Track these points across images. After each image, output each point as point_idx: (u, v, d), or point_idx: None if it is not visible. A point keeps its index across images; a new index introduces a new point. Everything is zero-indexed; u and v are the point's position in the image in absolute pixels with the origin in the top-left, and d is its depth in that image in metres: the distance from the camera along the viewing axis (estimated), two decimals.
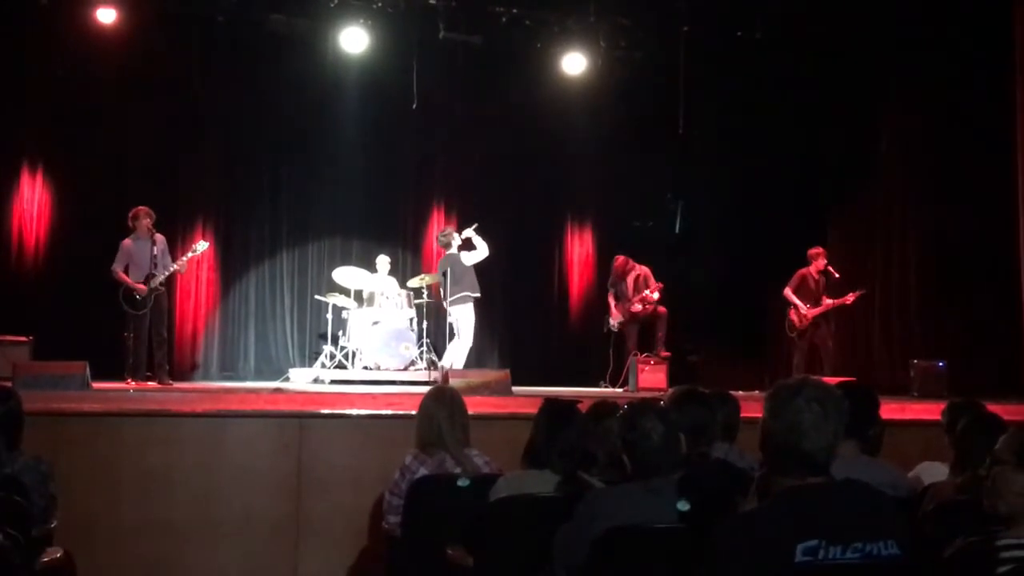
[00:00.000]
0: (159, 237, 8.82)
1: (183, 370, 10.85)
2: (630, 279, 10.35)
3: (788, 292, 9.98)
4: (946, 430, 3.98)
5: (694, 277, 11.97)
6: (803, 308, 9.86)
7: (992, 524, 2.66)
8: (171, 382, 8.85)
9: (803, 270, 9.99)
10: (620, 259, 10.48)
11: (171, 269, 8.82)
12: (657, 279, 10.25)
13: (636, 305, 10.20)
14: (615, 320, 10.44)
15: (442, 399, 4.29)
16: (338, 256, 11.60)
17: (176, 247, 10.03)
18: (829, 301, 9.86)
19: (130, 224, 8.82)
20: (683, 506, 2.93)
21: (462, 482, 3.96)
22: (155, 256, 8.72)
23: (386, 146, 11.83)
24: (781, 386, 2.60)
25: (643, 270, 10.42)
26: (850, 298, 9.83)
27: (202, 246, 9.38)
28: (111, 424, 5.49)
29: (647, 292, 10.17)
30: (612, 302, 10.53)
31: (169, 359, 9.15)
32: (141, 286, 8.62)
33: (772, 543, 2.39)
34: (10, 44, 10.24)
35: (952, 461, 3.74)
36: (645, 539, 2.91)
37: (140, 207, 8.85)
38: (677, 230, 12.31)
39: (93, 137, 10.62)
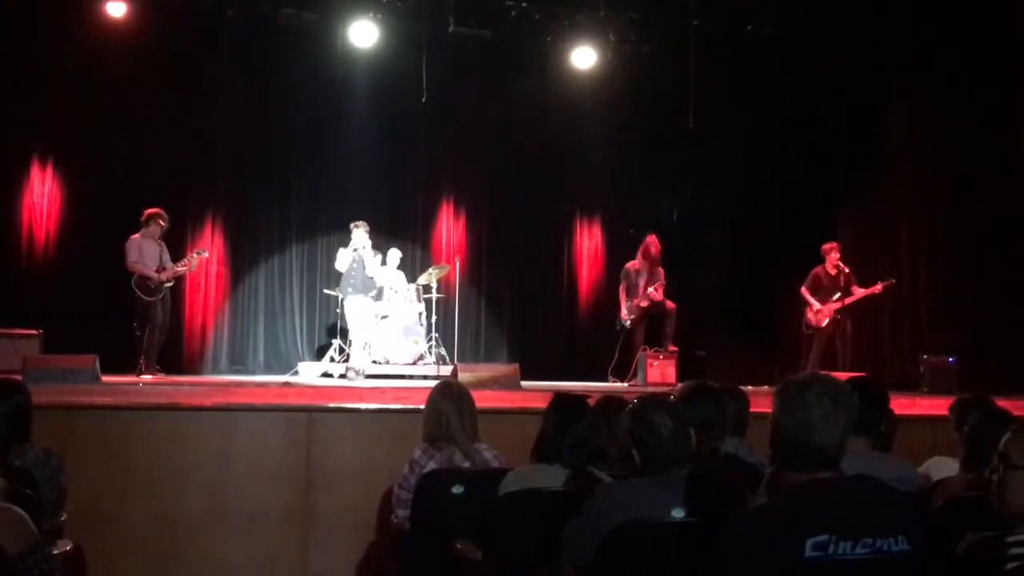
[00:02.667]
0: (161, 241, 9.11)
1: (192, 364, 10.89)
2: (647, 270, 10.14)
3: (803, 291, 9.92)
4: (955, 427, 3.97)
5: (703, 272, 11.94)
6: (816, 305, 9.80)
7: (1002, 521, 2.65)
8: (163, 374, 9.09)
9: (816, 268, 9.91)
10: (655, 240, 10.18)
11: (177, 270, 9.12)
12: (666, 274, 10.15)
13: (643, 301, 10.08)
14: (627, 318, 10.20)
15: (449, 394, 4.29)
16: None
17: (185, 241, 10.15)
18: (853, 291, 9.73)
19: (142, 222, 9.02)
20: (678, 513, 2.93)
21: (456, 489, 3.96)
22: (160, 258, 9.02)
23: (395, 140, 11.83)
24: (790, 381, 2.59)
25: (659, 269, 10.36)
26: (861, 293, 9.72)
27: (202, 254, 9.71)
28: (120, 417, 5.50)
29: (651, 290, 10.04)
30: (623, 296, 10.30)
31: (162, 353, 9.33)
32: (154, 273, 8.88)
33: (782, 538, 2.39)
34: (20, 38, 10.25)
35: (962, 457, 3.73)
36: (654, 534, 2.91)
37: (155, 210, 9.09)
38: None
39: (103, 131, 10.64)
